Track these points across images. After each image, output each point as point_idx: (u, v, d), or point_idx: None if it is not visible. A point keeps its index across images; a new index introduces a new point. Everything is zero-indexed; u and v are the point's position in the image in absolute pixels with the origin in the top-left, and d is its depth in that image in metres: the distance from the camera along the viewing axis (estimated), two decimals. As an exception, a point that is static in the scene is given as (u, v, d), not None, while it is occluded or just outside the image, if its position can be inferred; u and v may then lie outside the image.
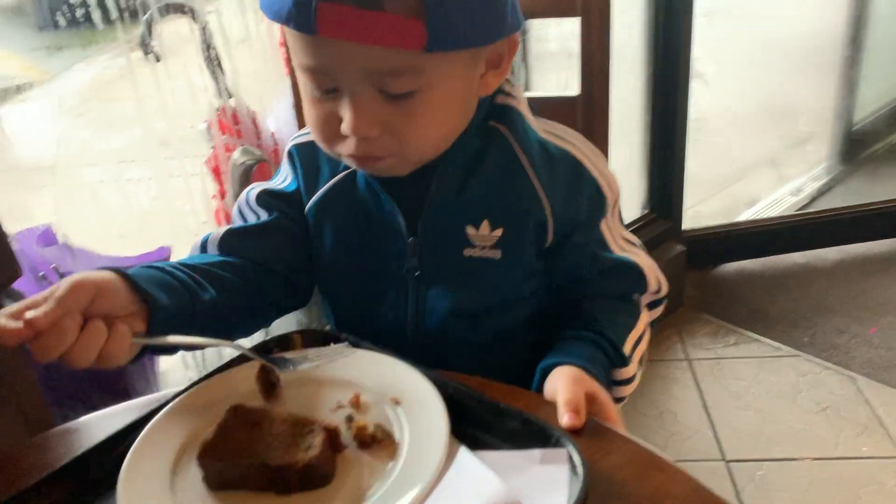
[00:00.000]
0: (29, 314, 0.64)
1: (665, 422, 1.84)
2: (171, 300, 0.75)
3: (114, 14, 1.39)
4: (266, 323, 0.94)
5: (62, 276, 1.44)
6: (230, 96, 1.61)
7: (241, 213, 0.93)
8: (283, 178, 0.94)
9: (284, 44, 1.63)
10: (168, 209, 1.61)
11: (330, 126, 0.77)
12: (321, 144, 0.82)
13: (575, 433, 0.69)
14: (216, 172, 1.65)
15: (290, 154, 0.92)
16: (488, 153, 0.85)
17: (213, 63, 1.52)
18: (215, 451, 0.63)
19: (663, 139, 2.18)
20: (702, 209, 2.65)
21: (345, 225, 0.89)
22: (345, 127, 0.75)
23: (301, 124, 1.28)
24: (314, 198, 0.90)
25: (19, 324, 0.63)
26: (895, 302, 2.19)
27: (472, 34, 0.72)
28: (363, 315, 0.91)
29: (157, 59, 1.51)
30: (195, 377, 1.74)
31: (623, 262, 0.90)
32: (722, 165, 3.03)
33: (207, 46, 1.48)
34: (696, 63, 2.14)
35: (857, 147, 3.01)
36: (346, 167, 0.88)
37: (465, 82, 0.78)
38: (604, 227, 0.90)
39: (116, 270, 0.72)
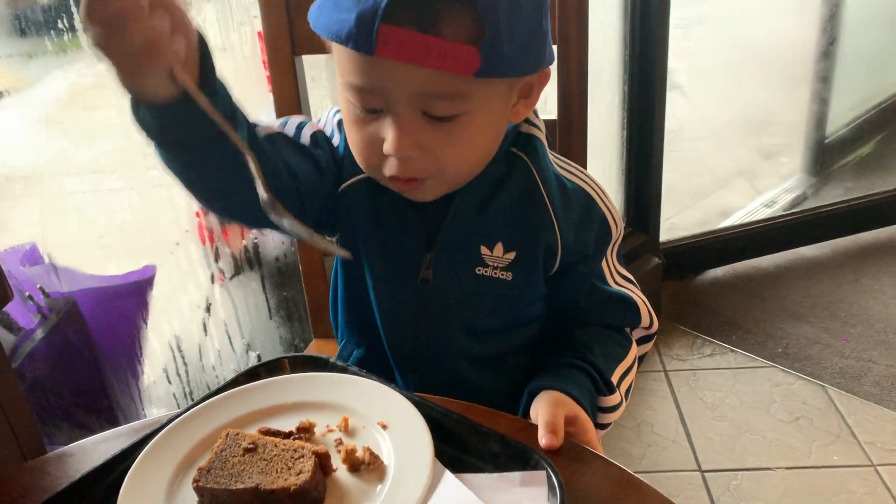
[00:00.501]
0: None
1: (642, 433, 1.88)
2: (221, 92, 0.71)
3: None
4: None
5: (48, 296, 1.46)
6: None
7: (283, 126, 0.91)
8: (332, 135, 0.92)
9: (266, 62, 1.65)
10: (150, 220, 1.62)
11: (372, 148, 0.79)
12: (363, 166, 0.84)
13: (553, 454, 0.72)
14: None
15: (339, 124, 0.91)
16: (510, 179, 0.88)
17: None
18: (210, 477, 0.66)
19: (640, 153, 2.22)
20: (677, 221, 2.70)
21: (365, 224, 0.90)
22: (387, 146, 0.77)
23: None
24: (346, 182, 0.90)
25: None
26: (865, 313, 2.25)
27: (519, 64, 0.76)
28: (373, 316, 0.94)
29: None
30: (178, 393, 1.76)
31: (619, 295, 0.94)
32: (697, 177, 3.08)
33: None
34: (672, 74, 2.19)
35: (830, 159, 3.07)
36: None
37: (501, 110, 0.82)
38: (605, 261, 0.94)
39: None
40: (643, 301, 0.96)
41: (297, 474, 0.65)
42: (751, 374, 2.05)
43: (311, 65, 1.33)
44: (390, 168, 0.80)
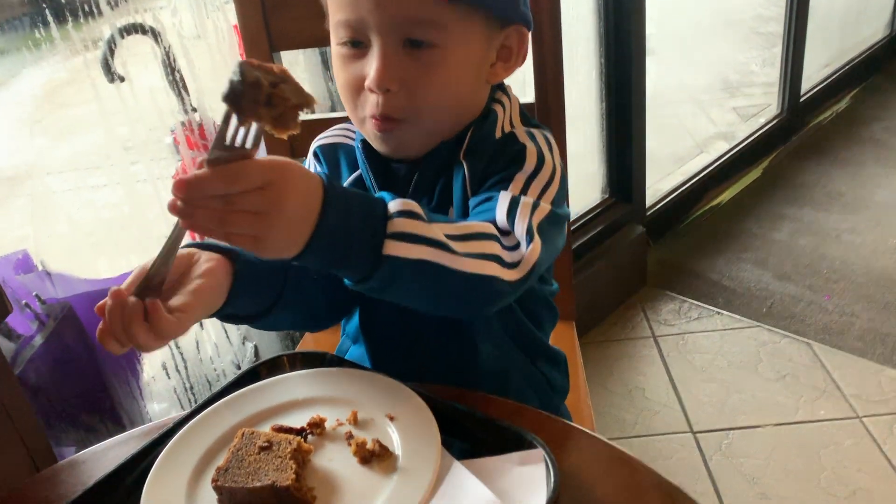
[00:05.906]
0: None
1: (634, 398, 1.92)
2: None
3: (61, 16, 1.38)
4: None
5: (44, 303, 1.47)
6: (195, 110, 1.64)
7: None
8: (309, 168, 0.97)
9: (244, 54, 1.65)
10: (137, 215, 1.63)
11: (356, 87, 0.85)
12: (350, 108, 0.88)
13: (546, 434, 0.72)
14: (186, 187, 1.68)
15: (315, 154, 0.99)
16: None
17: (178, 84, 1.55)
18: (228, 476, 0.69)
19: (620, 124, 2.24)
20: (661, 187, 2.73)
21: None
22: (369, 81, 0.82)
23: (268, 144, 1.31)
24: None
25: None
26: (846, 269, 2.30)
27: None
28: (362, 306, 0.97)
29: (122, 80, 1.54)
30: (178, 388, 1.77)
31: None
32: (678, 142, 3.11)
33: (172, 69, 1.51)
34: (647, 40, 2.20)
35: (806, 116, 3.12)
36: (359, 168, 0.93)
37: (478, 58, 0.86)
38: (515, 184, 0.83)
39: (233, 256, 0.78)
40: (534, 250, 0.78)
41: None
42: (737, 335, 2.09)
43: (286, 60, 1.34)
44: (371, 107, 0.84)
